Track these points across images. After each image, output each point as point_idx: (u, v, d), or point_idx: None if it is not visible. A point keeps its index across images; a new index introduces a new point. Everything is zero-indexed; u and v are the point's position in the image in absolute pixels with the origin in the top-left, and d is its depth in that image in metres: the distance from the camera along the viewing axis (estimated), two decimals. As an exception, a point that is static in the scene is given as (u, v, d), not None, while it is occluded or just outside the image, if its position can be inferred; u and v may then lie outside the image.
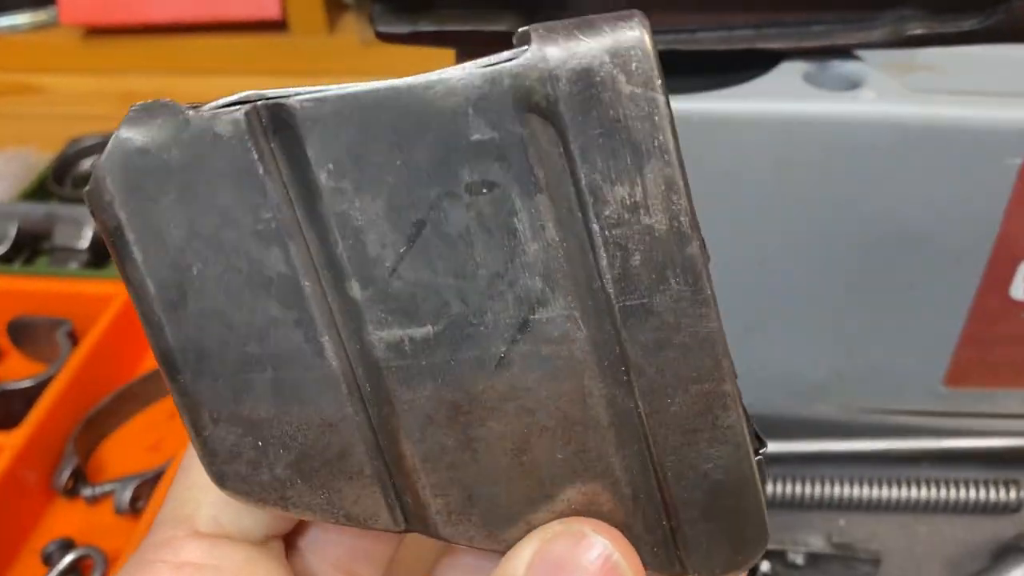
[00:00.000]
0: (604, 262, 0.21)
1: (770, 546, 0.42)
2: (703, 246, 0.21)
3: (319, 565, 0.26)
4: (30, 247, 0.69)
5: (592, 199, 0.20)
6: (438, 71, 0.20)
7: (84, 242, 0.67)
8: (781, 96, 0.39)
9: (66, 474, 0.50)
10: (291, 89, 0.20)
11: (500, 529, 0.22)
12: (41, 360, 0.60)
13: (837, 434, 0.47)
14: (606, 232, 0.20)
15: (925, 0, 0.40)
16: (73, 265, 0.66)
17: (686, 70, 0.40)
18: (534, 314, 0.21)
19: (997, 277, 0.42)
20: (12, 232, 0.67)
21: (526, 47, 0.20)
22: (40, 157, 0.82)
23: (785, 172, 0.40)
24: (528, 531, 0.22)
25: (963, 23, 0.40)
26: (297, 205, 0.20)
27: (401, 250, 0.21)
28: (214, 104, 0.20)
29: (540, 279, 0.21)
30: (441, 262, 0.21)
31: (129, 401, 0.56)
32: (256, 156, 0.20)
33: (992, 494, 0.44)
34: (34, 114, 0.92)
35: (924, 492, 0.45)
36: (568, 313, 0.21)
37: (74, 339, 0.58)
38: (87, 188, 0.20)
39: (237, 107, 0.20)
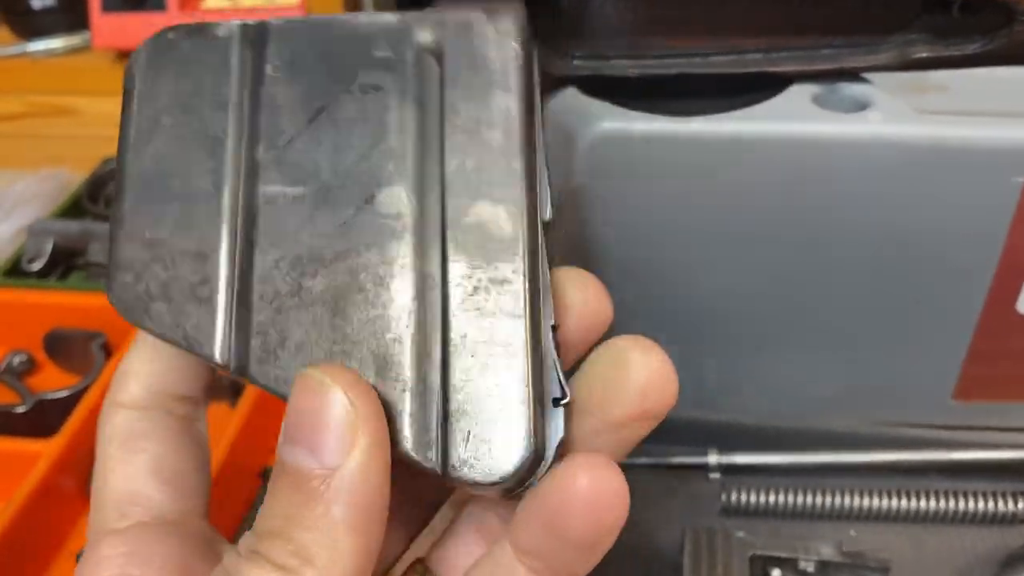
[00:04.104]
0: (446, 160, 0.26)
1: (782, 553, 0.43)
2: (531, 166, 0.26)
3: None
4: (65, 263, 0.71)
5: (449, 111, 0.26)
6: (370, 13, 0.28)
7: (117, 258, 0.69)
8: (791, 117, 0.40)
9: (100, 481, 0.52)
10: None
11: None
12: (76, 372, 0.62)
13: (848, 446, 0.48)
14: (454, 136, 0.26)
15: (931, 25, 0.41)
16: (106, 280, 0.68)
17: (698, 93, 0.41)
18: (380, 190, 0.26)
19: (1003, 292, 0.43)
20: (48, 248, 0.69)
21: (429, 9, 0.27)
22: (73, 177, 0.84)
23: (795, 191, 0.41)
24: None
25: (967, 47, 0.41)
26: (246, 87, 0.27)
27: (301, 127, 0.27)
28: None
29: (392, 164, 0.26)
30: (326, 140, 0.26)
31: (160, 412, 0.58)
32: (235, 51, 0.27)
33: (1000, 505, 0.45)
34: (68, 135, 0.94)
35: (933, 503, 0.46)
36: (406, 196, 0.26)
37: (108, 351, 0.60)
38: (128, 61, 0.28)
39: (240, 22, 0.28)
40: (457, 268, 0.25)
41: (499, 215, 0.26)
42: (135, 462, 0.27)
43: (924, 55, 0.41)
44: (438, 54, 0.27)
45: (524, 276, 0.25)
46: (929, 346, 0.46)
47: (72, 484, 0.52)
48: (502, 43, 0.27)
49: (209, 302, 0.25)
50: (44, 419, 0.56)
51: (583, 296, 0.28)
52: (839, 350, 0.47)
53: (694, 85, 0.42)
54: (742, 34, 0.42)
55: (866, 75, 0.43)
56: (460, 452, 0.24)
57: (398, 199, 0.26)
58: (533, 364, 0.25)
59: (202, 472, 0.28)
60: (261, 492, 0.54)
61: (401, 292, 0.25)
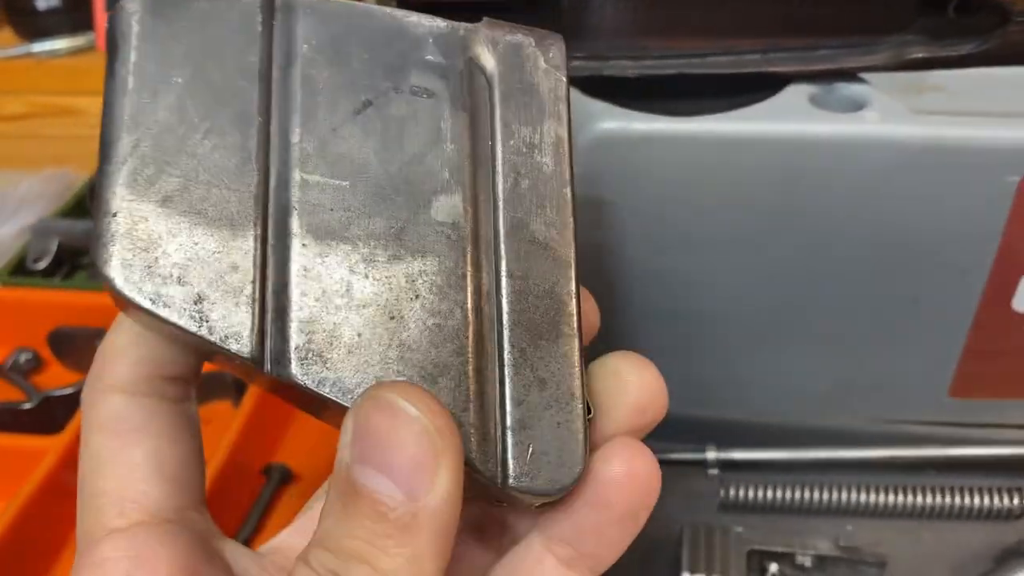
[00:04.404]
0: (500, 177, 0.26)
1: (779, 548, 0.44)
2: (575, 195, 0.27)
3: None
4: (70, 262, 0.71)
5: (502, 130, 0.26)
6: (417, 13, 0.27)
7: (121, 257, 0.69)
8: (788, 117, 0.41)
9: (105, 477, 0.52)
10: None
11: (350, 379, 0.23)
12: (80, 369, 0.62)
13: (846, 442, 0.49)
14: (508, 156, 0.26)
15: (926, 26, 0.42)
16: (110, 279, 0.68)
17: (697, 93, 0.42)
18: (437, 197, 0.25)
19: (999, 290, 0.44)
20: (53, 247, 0.70)
21: (480, 23, 0.27)
22: (77, 177, 0.84)
23: (793, 190, 0.42)
24: None
25: (962, 47, 0.41)
26: (275, 62, 0.25)
27: (347, 116, 0.25)
28: None
29: (448, 172, 0.26)
30: (375, 135, 0.25)
31: (164, 409, 0.59)
32: (260, 18, 0.25)
33: (996, 501, 0.46)
34: (71, 135, 0.95)
35: (930, 499, 0.46)
36: (463, 206, 0.26)
37: (112, 349, 0.61)
38: (113, 6, 0.24)
39: None
40: (514, 284, 0.25)
41: (552, 237, 0.26)
42: (133, 456, 0.25)
43: (920, 55, 0.42)
44: (488, 71, 0.27)
45: (576, 298, 0.26)
46: (926, 343, 0.47)
47: (77, 480, 0.52)
48: (551, 74, 0.27)
49: (240, 292, 0.23)
50: (50, 416, 0.56)
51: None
52: (837, 347, 0.47)
53: (693, 85, 0.42)
54: (740, 35, 0.43)
55: (863, 75, 0.43)
56: (521, 465, 0.24)
57: (456, 209, 0.25)
58: (583, 382, 0.25)
59: (197, 461, 0.27)
60: (264, 489, 0.54)
61: (459, 303, 0.25)
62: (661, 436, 0.52)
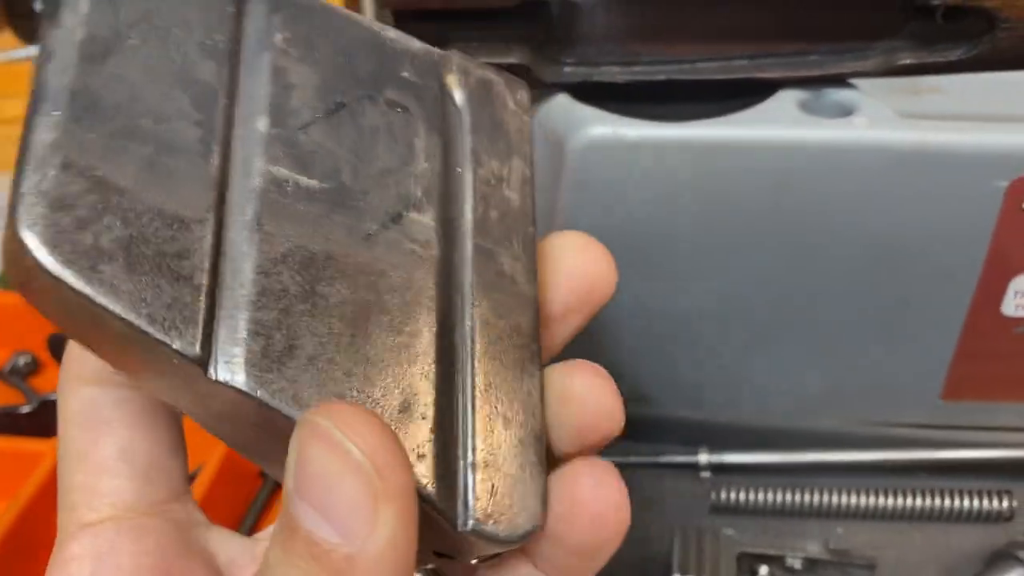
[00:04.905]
0: (470, 205, 0.26)
1: (769, 551, 0.44)
2: (535, 238, 0.27)
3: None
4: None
5: (472, 159, 0.26)
6: (395, 29, 0.27)
7: (120, 260, 0.70)
8: (778, 123, 0.41)
9: (103, 480, 0.53)
10: None
11: (307, 395, 0.21)
12: (79, 372, 0.63)
13: (837, 445, 0.49)
14: (478, 185, 0.26)
15: (915, 32, 0.42)
16: (109, 282, 0.69)
17: (687, 98, 0.42)
18: (408, 213, 0.25)
19: (988, 295, 0.44)
20: (52, 251, 0.70)
21: (451, 52, 0.28)
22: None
23: (783, 195, 0.42)
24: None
25: (951, 53, 0.42)
26: (245, 47, 0.24)
27: (318, 115, 0.24)
28: None
29: (421, 190, 0.25)
30: (348, 139, 0.24)
31: (162, 412, 0.59)
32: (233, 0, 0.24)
33: (985, 503, 0.46)
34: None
35: (920, 501, 0.46)
36: (435, 225, 0.25)
37: (110, 353, 0.61)
38: None
39: None
40: (480, 313, 0.24)
41: (518, 271, 0.26)
42: (102, 449, 0.24)
43: (909, 61, 0.42)
44: (458, 99, 0.27)
45: (537, 335, 0.25)
46: (917, 347, 0.47)
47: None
48: (518, 115, 0.28)
49: (188, 282, 0.20)
50: (48, 419, 0.56)
51: (583, 260, 0.27)
52: (828, 351, 0.48)
53: (683, 91, 0.43)
54: (730, 40, 0.43)
55: (853, 80, 0.43)
56: (484, 505, 0.22)
57: (427, 227, 0.25)
58: (545, 424, 0.24)
59: (176, 450, 0.26)
60: (261, 491, 0.55)
61: (428, 324, 0.23)
62: (653, 438, 0.53)
